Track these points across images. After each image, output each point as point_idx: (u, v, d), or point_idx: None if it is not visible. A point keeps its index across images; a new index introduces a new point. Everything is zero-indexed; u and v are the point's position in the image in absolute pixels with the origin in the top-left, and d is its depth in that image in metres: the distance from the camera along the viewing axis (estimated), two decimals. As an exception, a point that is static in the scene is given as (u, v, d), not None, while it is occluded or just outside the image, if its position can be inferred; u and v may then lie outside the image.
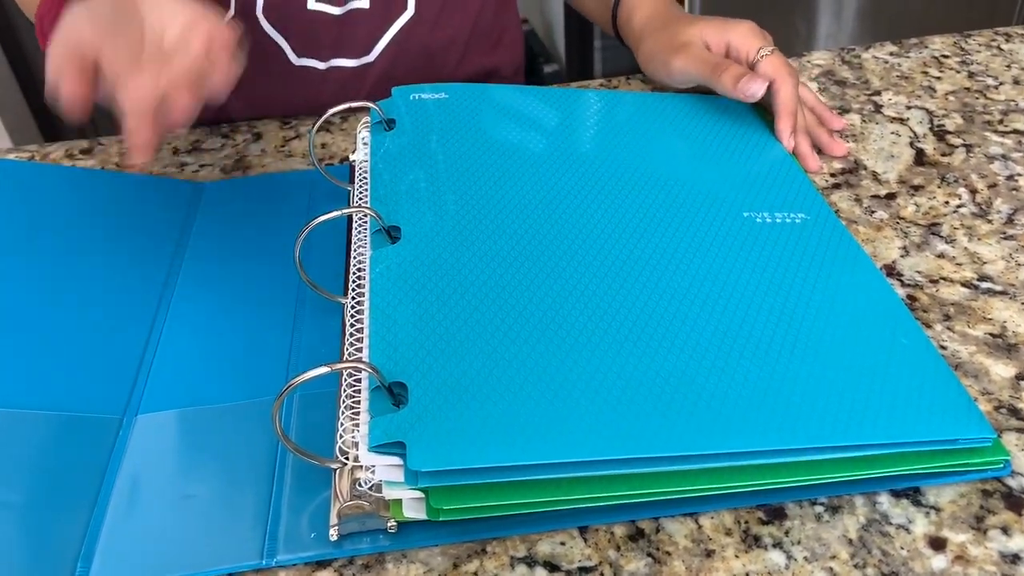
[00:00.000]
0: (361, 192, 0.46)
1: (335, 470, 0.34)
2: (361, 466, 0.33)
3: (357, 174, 0.47)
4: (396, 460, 0.31)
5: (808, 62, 0.62)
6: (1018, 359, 0.39)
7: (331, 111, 0.49)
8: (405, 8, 0.60)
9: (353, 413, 0.34)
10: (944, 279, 0.43)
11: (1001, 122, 0.54)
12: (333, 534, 0.33)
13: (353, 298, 0.40)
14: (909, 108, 0.57)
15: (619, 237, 0.42)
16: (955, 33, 0.64)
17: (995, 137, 0.53)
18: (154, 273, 0.46)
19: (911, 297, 0.42)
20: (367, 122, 0.51)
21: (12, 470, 0.35)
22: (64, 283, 0.44)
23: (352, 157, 0.50)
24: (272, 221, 0.49)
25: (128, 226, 0.48)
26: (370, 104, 0.49)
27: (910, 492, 0.34)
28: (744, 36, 0.53)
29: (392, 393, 0.33)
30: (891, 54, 0.63)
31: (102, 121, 0.53)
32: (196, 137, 0.59)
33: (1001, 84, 0.58)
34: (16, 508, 0.34)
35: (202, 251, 0.47)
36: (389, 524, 0.33)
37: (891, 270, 0.44)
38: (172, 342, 0.42)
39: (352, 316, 0.38)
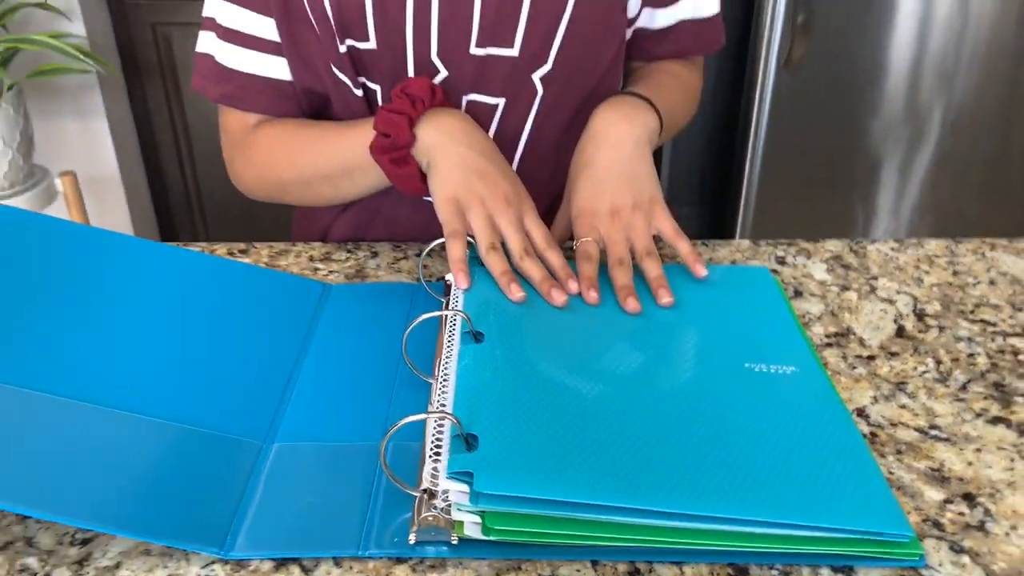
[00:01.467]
0: (455, 303, 0.60)
1: (417, 496, 0.46)
2: (437, 491, 0.45)
3: (453, 290, 0.62)
4: (464, 487, 0.44)
5: (822, 247, 0.76)
6: (948, 488, 0.50)
7: (435, 242, 0.65)
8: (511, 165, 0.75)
9: (435, 453, 0.47)
10: (902, 424, 0.55)
11: (972, 312, 0.67)
12: (411, 539, 0.45)
13: (441, 377, 0.53)
14: (899, 293, 0.70)
15: (652, 366, 0.55)
16: (948, 239, 0.78)
17: (964, 323, 0.65)
18: (292, 342, 0.60)
19: (873, 434, 0.54)
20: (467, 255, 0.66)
21: (167, 472, 0.49)
22: (226, 333, 0.59)
23: (447, 277, 0.65)
24: (382, 317, 0.64)
25: (279, 304, 0.64)
26: (469, 238, 0.64)
27: (846, 569, 0.44)
28: (575, 220, 0.68)
29: (467, 441, 0.46)
30: (892, 249, 0.76)
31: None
32: (327, 250, 0.75)
33: (978, 283, 0.71)
34: (172, 486, 0.47)
35: (328, 331, 0.62)
36: (452, 538, 0.45)
37: (861, 412, 0.56)
38: (302, 392, 0.56)
39: (440, 387, 0.52)
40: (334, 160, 0.73)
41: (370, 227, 0.81)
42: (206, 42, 0.77)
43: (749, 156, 1.84)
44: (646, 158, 0.70)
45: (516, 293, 0.60)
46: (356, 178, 0.73)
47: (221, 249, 0.74)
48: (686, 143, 2.01)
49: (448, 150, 0.66)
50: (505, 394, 0.50)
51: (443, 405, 0.50)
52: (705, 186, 2.06)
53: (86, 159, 1.86)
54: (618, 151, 0.69)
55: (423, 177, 0.68)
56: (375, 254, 0.75)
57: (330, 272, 0.72)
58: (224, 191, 1.80)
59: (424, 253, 0.66)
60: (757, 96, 1.77)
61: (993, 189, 1.87)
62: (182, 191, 2.10)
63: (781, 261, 0.74)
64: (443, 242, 0.64)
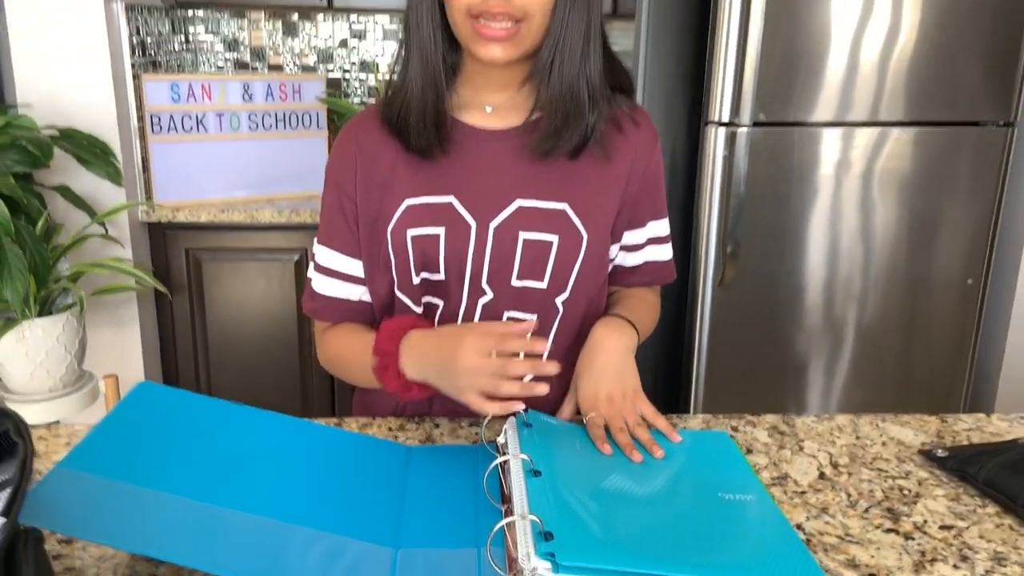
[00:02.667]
0: (513, 452, 0.85)
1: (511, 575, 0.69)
2: (527, 569, 0.69)
3: (511, 446, 0.87)
4: (548, 564, 0.68)
5: (763, 419, 1.04)
6: (859, 572, 0.75)
7: (490, 415, 0.91)
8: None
9: (524, 546, 0.70)
10: (827, 533, 0.80)
11: (870, 463, 0.94)
12: (511, 600, 0.68)
13: (517, 502, 0.77)
14: (819, 450, 0.97)
15: (655, 491, 0.81)
16: (851, 414, 1.07)
17: (866, 471, 0.93)
18: (394, 487, 0.84)
19: (808, 539, 0.79)
20: (513, 422, 0.91)
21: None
22: (347, 477, 0.83)
23: (498, 439, 0.90)
24: (456, 467, 0.88)
25: (380, 460, 0.88)
26: (518, 409, 0.90)
27: (794, 614, 0.68)
28: (581, 403, 0.96)
29: (545, 536, 0.70)
30: (813, 421, 1.05)
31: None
32: (401, 423, 1.00)
33: (874, 444, 0.99)
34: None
35: (419, 477, 0.86)
36: (538, 601, 0.68)
37: (799, 526, 0.81)
38: (409, 519, 0.79)
39: (518, 505, 0.76)
40: (365, 376, 1.00)
41: (423, 405, 1.07)
42: (311, 271, 1.07)
43: (696, 360, 2.17)
44: (631, 361, 1.00)
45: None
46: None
47: (322, 422, 0.99)
48: (642, 349, 2.34)
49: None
50: (565, 507, 0.75)
51: (523, 516, 0.75)
52: (659, 382, 2.37)
53: (116, 363, 2.09)
54: (611, 356, 0.99)
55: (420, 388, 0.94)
56: (437, 425, 1.00)
57: (407, 438, 0.97)
58: (233, 396, 2.04)
59: (484, 424, 0.92)
60: (699, 311, 2.13)
61: (902, 386, 2.21)
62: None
63: (735, 428, 1.02)
64: (495, 415, 0.90)
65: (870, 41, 1.97)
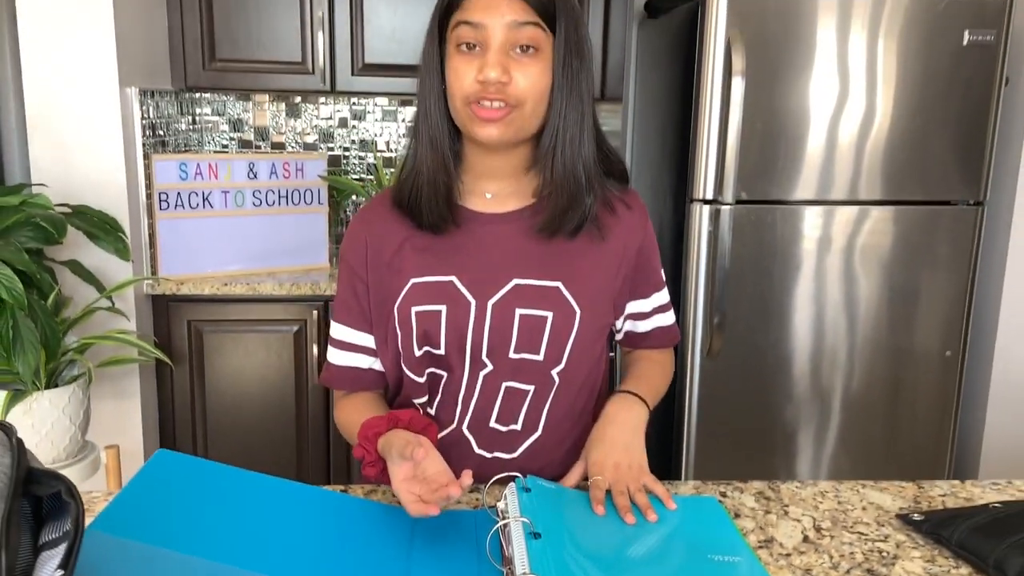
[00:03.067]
0: (514, 515, 0.90)
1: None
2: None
3: (511, 509, 0.92)
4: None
5: (750, 486, 1.10)
6: (839, 625, 0.79)
7: (494, 478, 0.96)
8: (536, 430, 1.09)
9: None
10: (809, 592, 0.85)
11: (851, 527, 1.00)
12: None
13: (518, 563, 0.82)
14: (803, 514, 1.02)
15: (650, 552, 0.86)
16: (834, 480, 1.12)
17: (847, 534, 0.98)
18: (398, 548, 0.89)
19: (792, 598, 0.84)
20: (513, 487, 0.96)
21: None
22: (355, 540, 0.87)
23: (498, 504, 0.95)
24: (458, 530, 0.93)
25: (385, 524, 0.93)
26: (517, 475, 0.96)
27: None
28: (590, 468, 1.02)
29: (545, 593, 0.75)
30: (796, 487, 1.10)
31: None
32: (405, 490, 1.05)
33: (854, 509, 1.04)
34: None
35: (423, 541, 0.91)
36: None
37: (783, 586, 0.86)
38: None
39: (519, 565, 0.81)
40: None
41: None
42: (335, 355, 1.13)
43: (686, 428, 2.22)
44: (640, 437, 1.07)
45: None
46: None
47: (357, 490, 1.04)
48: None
49: None
50: (564, 567, 0.79)
51: (524, 574, 0.79)
52: (651, 448, 2.40)
53: (116, 433, 2.12)
54: (622, 430, 1.06)
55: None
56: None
57: (411, 505, 1.01)
58: (230, 464, 2.07)
59: (485, 491, 0.96)
60: (688, 380, 2.19)
61: (888, 454, 2.26)
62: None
63: (723, 494, 1.07)
64: (495, 480, 0.96)
65: (846, 125, 2.08)
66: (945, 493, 1.09)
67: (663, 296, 1.21)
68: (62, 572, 0.50)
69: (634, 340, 1.22)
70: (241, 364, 2.32)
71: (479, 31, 0.97)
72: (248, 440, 2.36)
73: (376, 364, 1.12)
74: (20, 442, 0.59)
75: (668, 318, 1.22)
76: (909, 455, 2.25)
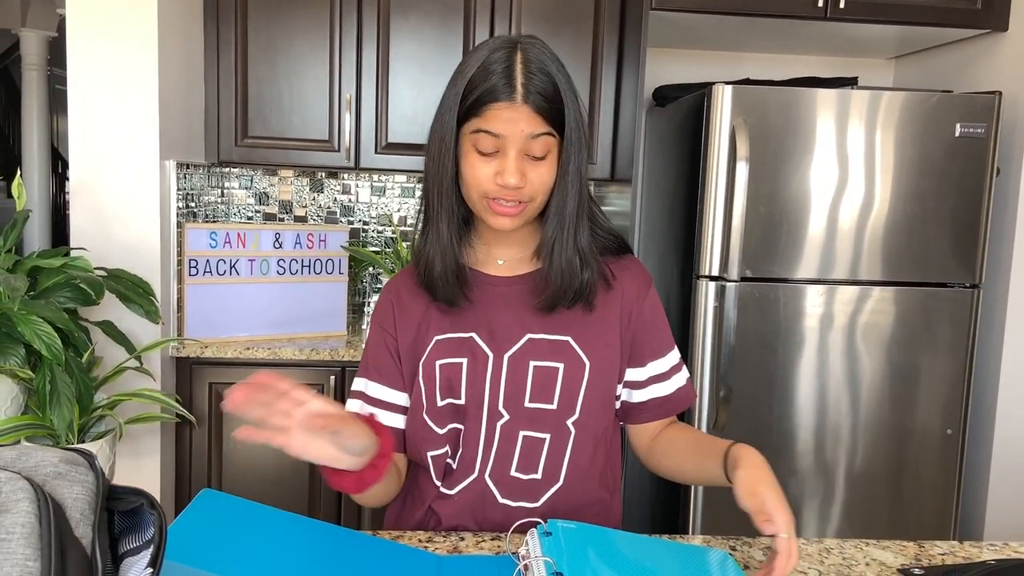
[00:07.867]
0: (535, 556, 0.96)
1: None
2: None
3: (532, 551, 0.98)
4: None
5: (759, 541, 1.15)
6: (844, 664, 0.84)
7: (516, 524, 1.02)
8: (558, 480, 1.15)
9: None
10: (815, 635, 0.90)
11: (855, 579, 1.05)
12: None
13: (539, 599, 0.88)
14: (809, 568, 1.07)
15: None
16: (841, 539, 1.17)
17: (851, 585, 1.03)
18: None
19: (799, 640, 0.89)
20: (534, 532, 1.02)
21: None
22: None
23: (520, 550, 1.01)
24: (485, 574, 0.98)
25: (415, 566, 0.98)
26: (539, 520, 1.01)
27: None
28: (775, 520, 0.99)
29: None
30: (803, 543, 1.15)
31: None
32: (429, 535, 1.10)
33: (858, 564, 1.09)
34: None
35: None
36: None
37: (791, 630, 0.91)
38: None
39: (543, 602, 0.86)
40: (376, 499, 1.13)
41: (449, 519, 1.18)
42: (351, 404, 1.20)
43: (692, 510, 2.25)
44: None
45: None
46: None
47: (413, 538, 1.09)
48: (639, 484, 2.42)
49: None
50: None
51: (546, 609, 0.85)
52: (657, 504, 2.43)
53: (135, 492, 2.16)
54: (767, 468, 1.07)
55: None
56: (462, 538, 1.11)
57: (435, 548, 1.07)
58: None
59: (508, 539, 1.02)
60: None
61: (893, 530, 2.28)
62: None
63: (733, 548, 1.12)
64: (516, 527, 1.02)
65: (846, 208, 2.19)
66: (944, 552, 1.14)
67: (663, 364, 1.23)
68: (151, 570, 0.57)
69: (632, 413, 1.23)
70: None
71: (498, 140, 1.07)
72: (261, 501, 2.39)
73: (395, 422, 1.19)
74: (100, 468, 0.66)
75: (667, 387, 1.23)
76: (913, 530, 2.28)
